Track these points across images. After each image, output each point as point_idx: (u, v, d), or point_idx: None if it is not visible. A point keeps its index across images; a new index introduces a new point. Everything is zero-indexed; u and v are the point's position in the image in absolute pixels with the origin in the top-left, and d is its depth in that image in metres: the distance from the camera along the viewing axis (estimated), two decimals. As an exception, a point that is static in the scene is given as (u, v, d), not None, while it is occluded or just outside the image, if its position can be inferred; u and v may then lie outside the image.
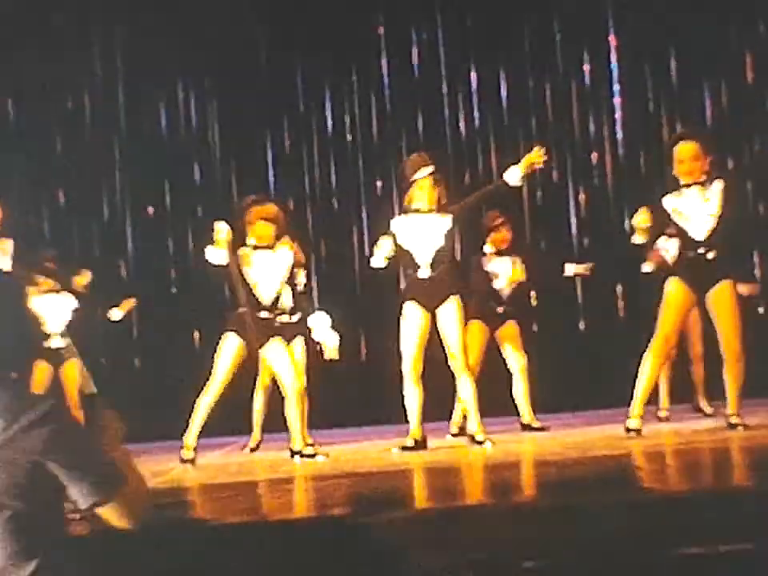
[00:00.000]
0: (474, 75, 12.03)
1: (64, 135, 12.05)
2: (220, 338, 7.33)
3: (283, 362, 7.26)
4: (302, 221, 11.88)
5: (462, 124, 12.05)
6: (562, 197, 11.85)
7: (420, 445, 7.03)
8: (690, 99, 11.66)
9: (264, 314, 7.27)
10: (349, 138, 12.12)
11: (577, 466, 5.25)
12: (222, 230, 7.14)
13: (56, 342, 9.05)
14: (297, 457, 7.08)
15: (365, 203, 11.89)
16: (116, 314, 9.62)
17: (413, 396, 7.10)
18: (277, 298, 7.39)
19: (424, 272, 7.08)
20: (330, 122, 12.13)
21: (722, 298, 6.62)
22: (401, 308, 7.17)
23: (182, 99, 12.19)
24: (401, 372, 7.17)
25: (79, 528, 3.26)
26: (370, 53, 12.05)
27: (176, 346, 11.52)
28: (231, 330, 7.28)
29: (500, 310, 8.46)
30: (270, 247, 7.35)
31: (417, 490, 5.09)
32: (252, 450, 8.44)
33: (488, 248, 8.58)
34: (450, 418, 8.42)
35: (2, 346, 2.50)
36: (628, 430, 6.62)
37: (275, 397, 8.66)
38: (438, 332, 7.17)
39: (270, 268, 7.33)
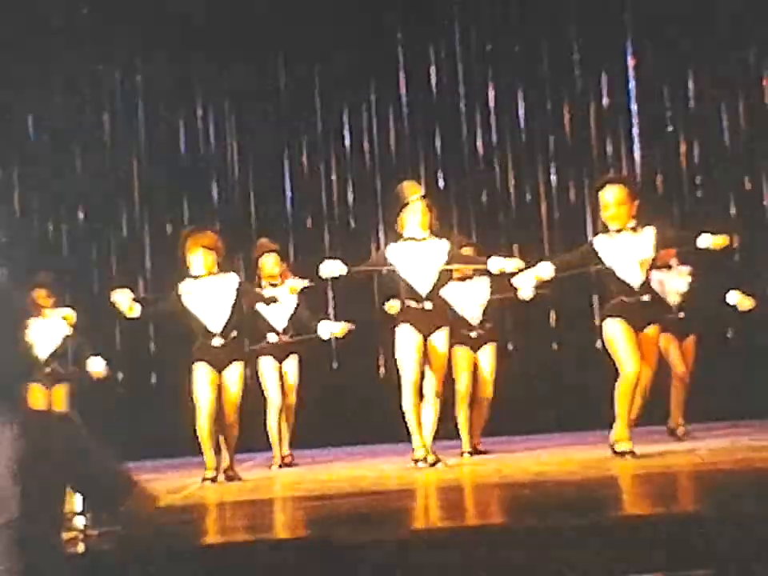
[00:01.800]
0: (491, 94, 12.06)
1: (83, 153, 12.11)
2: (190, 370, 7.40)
3: (235, 387, 7.35)
4: (318, 239, 11.93)
5: (479, 142, 12.07)
6: (579, 216, 11.83)
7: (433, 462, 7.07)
8: (707, 120, 11.65)
9: (216, 342, 7.30)
10: (366, 155, 12.16)
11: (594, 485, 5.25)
12: (123, 302, 7.19)
13: (49, 366, 9.10)
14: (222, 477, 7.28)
15: (382, 222, 11.90)
16: (96, 364, 9.18)
17: (418, 414, 7.11)
18: (227, 324, 7.36)
19: (423, 303, 7.11)
20: (347, 141, 12.16)
21: (649, 342, 6.68)
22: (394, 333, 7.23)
23: (200, 117, 12.25)
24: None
25: (78, 546, 3.28)
26: (388, 71, 12.08)
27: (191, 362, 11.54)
28: (199, 360, 7.34)
29: (473, 334, 8.43)
30: (214, 274, 7.36)
31: (423, 510, 5.09)
32: (280, 467, 8.58)
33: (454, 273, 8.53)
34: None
35: (6, 365, 2.53)
36: (621, 453, 6.52)
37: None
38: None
39: (216, 295, 7.34)
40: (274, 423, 8.67)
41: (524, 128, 11.99)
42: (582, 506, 4.47)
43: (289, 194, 12.20)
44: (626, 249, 6.64)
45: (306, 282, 7.67)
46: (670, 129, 11.76)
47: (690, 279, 8.56)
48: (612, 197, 6.66)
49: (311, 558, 3.60)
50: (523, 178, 11.98)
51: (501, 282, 8.42)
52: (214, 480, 7.23)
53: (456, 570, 3.45)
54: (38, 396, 8.76)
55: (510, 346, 11.19)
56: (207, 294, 7.33)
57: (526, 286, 6.92)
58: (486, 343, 8.46)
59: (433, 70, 12.14)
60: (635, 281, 6.65)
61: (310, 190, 12.12)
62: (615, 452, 6.56)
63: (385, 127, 12.14)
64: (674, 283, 8.54)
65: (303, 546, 3.79)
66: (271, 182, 12.14)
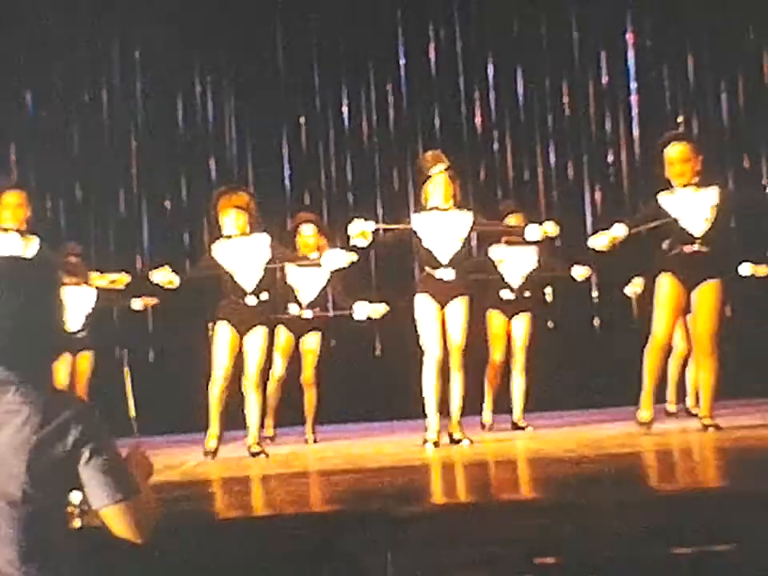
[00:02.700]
0: (490, 71, 12.03)
1: (81, 129, 12.10)
2: (213, 328, 7.42)
3: (257, 352, 7.30)
4: (317, 216, 11.90)
5: (478, 120, 12.06)
6: (577, 194, 11.84)
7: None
8: (706, 97, 11.64)
9: (250, 301, 7.29)
10: (365, 133, 12.14)
11: (589, 463, 5.26)
12: (163, 278, 7.21)
13: (76, 335, 9.12)
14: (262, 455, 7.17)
15: (380, 198, 11.89)
16: (137, 303, 9.51)
17: (437, 393, 7.11)
18: (259, 284, 7.35)
19: (443, 272, 7.14)
20: (346, 117, 12.14)
21: (707, 296, 6.64)
22: (413, 301, 7.25)
23: (198, 93, 12.22)
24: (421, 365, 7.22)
25: (74, 521, 3.28)
26: (387, 48, 12.06)
27: (190, 339, 11.53)
28: (222, 319, 7.33)
29: (509, 299, 8.46)
30: (246, 234, 7.35)
31: (426, 486, 5.10)
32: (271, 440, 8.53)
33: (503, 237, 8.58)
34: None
35: (40, 336, 2.53)
36: (640, 423, 6.68)
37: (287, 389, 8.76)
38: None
39: (248, 255, 7.32)
40: (272, 394, 8.55)
41: (522, 106, 11.97)
42: (603, 482, 4.49)
43: (287, 171, 12.18)
44: (690, 202, 6.66)
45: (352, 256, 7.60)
46: (680, 120, 11.71)
47: None
48: (677, 153, 6.69)
49: (315, 533, 3.61)
50: (521, 156, 11.97)
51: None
52: (214, 454, 7.21)
53: (473, 544, 3.47)
54: (61, 365, 8.74)
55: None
56: (240, 253, 7.31)
57: (600, 246, 6.89)
58: (520, 312, 8.46)
59: (432, 47, 12.10)
60: (697, 231, 6.64)
61: (309, 166, 12.10)
62: (638, 422, 6.67)
63: (383, 104, 12.11)
64: None
65: (308, 521, 3.79)
66: (269, 160, 12.11)
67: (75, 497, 2.91)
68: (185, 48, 11.89)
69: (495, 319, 8.46)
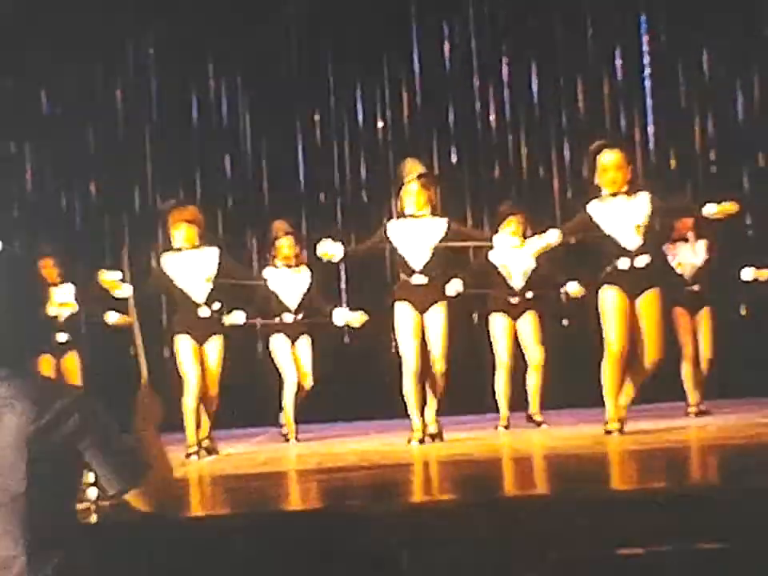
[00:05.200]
0: (505, 68, 12.02)
1: (95, 126, 12.11)
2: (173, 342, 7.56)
3: (215, 359, 7.51)
4: (331, 213, 11.92)
5: (492, 117, 12.04)
6: (592, 192, 11.79)
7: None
8: (722, 94, 11.60)
9: (202, 313, 7.45)
10: (379, 130, 12.13)
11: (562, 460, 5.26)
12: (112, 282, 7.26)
13: (59, 336, 9.14)
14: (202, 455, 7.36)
15: (395, 196, 11.86)
16: (113, 316, 8.44)
17: (417, 397, 7.19)
18: (210, 296, 7.51)
19: (417, 278, 7.21)
20: (360, 115, 12.14)
21: (649, 305, 6.58)
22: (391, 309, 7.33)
23: (213, 90, 12.23)
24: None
25: (91, 517, 3.30)
26: (401, 45, 12.05)
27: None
28: (180, 333, 7.50)
29: (514, 301, 8.45)
30: (196, 247, 7.53)
31: (416, 484, 5.10)
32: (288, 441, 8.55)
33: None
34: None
35: (20, 335, 2.54)
36: (609, 432, 6.56)
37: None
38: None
39: (197, 267, 7.50)
40: (290, 401, 8.59)
41: (537, 103, 11.95)
42: (587, 480, 4.49)
43: (302, 168, 12.18)
44: (621, 212, 6.59)
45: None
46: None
47: (705, 252, 8.59)
48: (610, 161, 6.62)
49: (314, 529, 3.62)
50: (536, 153, 11.94)
51: None
52: (197, 455, 7.34)
53: (457, 541, 3.46)
54: (46, 366, 8.80)
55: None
56: (190, 266, 7.50)
57: (534, 250, 6.91)
58: (525, 311, 8.45)
59: (446, 44, 12.09)
60: (631, 244, 6.57)
61: (323, 164, 12.10)
62: (605, 431, 6.58)
63: (398, 101, 12.11)
64: (690, 256, 8.57)
65: (307, 517, 3.80)
66: (284, 157, 12.12)
67: (91, 493, 2.91)
68: (199, 45, 11.90)
69: (498, 321, 8.46)
